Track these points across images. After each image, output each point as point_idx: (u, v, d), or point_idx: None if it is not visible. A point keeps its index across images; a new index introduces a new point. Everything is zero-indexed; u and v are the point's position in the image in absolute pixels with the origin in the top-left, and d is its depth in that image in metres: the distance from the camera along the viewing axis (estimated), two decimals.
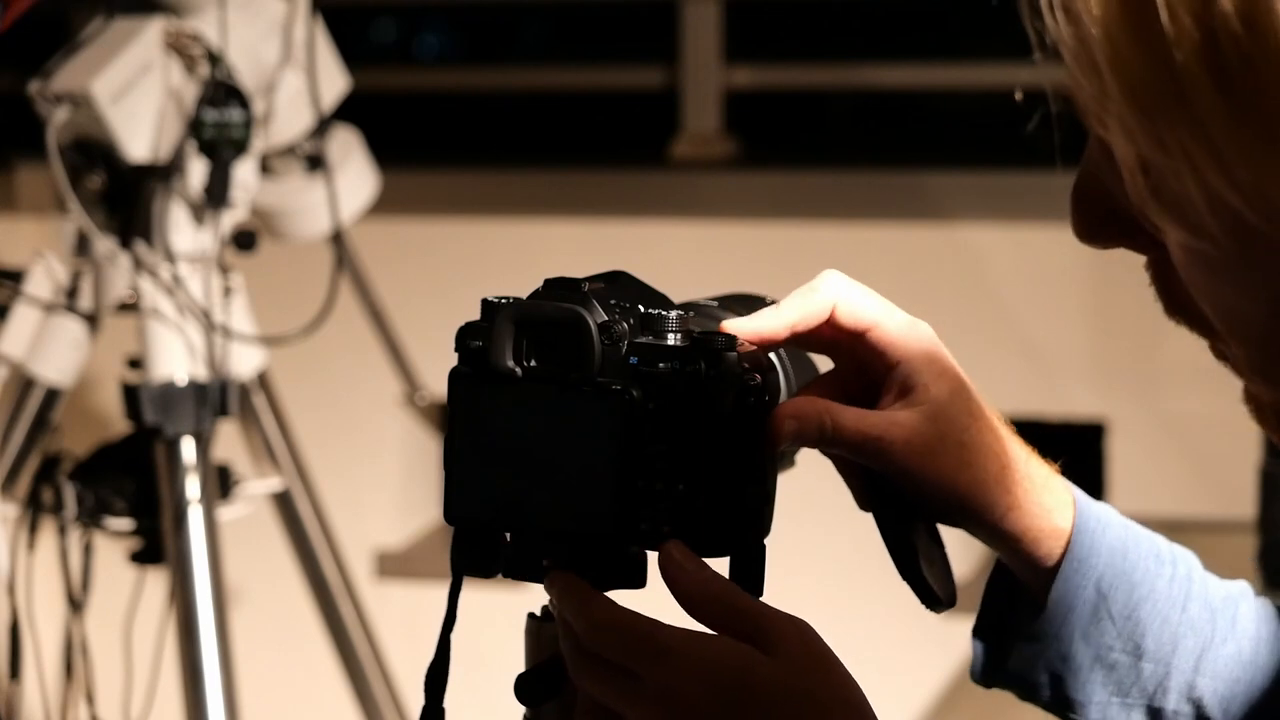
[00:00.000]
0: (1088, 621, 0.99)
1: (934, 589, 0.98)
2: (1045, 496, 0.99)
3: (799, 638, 0.90)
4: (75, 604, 2.04)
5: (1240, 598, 1.02)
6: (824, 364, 1.04)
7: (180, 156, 1.98)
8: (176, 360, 2.01)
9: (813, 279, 0.98)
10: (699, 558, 0.92)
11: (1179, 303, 0.74)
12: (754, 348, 0.94)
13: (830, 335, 0.98)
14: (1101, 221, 0.76)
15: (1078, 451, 2.79)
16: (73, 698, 2.05)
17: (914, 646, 2.63)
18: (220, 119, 1.97)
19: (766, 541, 0.94)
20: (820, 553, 2.61)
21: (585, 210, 2.99)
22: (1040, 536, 0.99)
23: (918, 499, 0.97)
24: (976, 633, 1.04)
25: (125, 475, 2.05)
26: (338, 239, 2.14)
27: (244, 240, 2.05)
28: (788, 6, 3.32)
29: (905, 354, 0.97)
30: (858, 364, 0.99)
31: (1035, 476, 0.99)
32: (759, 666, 0.88)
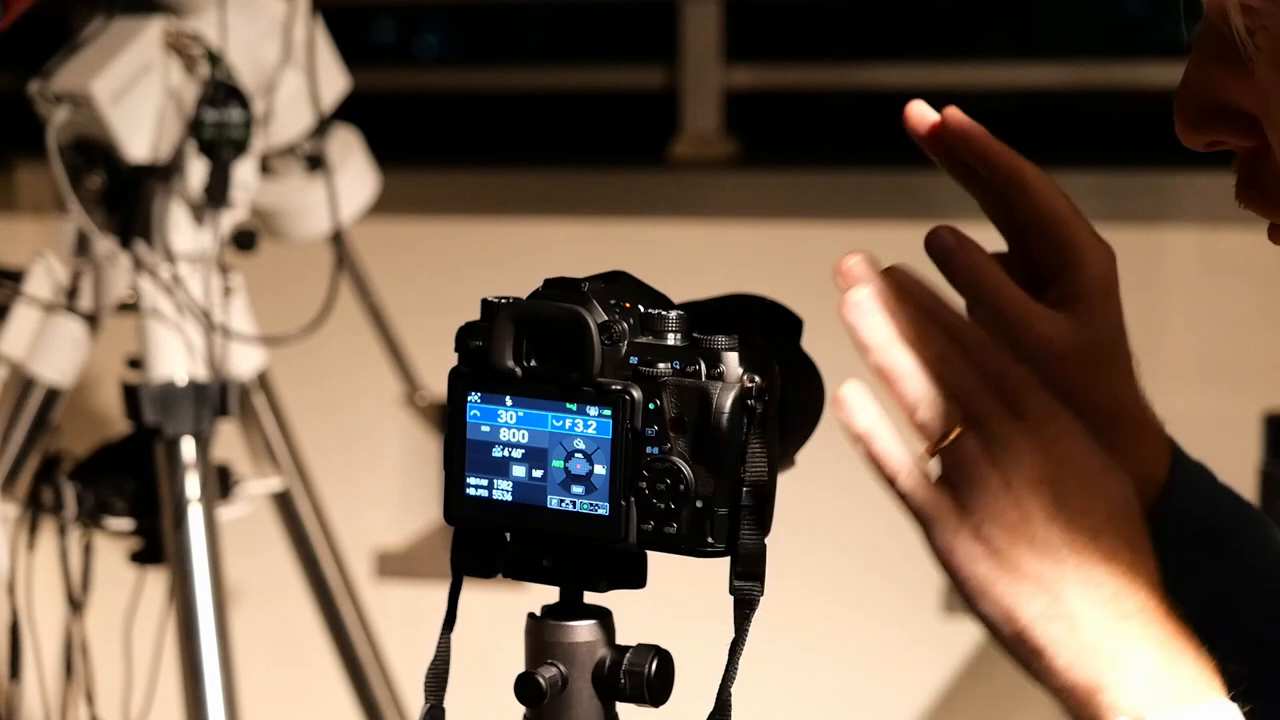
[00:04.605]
0: (1178, 573, 0.99)
1: None
2: (1147, 444, 1.03)
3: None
4: (75, 604, 2.04)
5: None
6: (830, 384, 1.03)
7: (180, 156, 1.98)
8: (176, 360, 2.01)
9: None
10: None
11: (1262, 188, 0.85)
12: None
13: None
14: (1206, 114, 0.82)
15: None
16: (73, 698, 2.05)
17: (914, 646, 2.63)
18: (220, 119, 1.97)
19: (767, 541, 0.94)
20: (821, 553, 2.61)
21: (585, 210, 2.99)
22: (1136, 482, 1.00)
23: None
24: None
25: (125, 475, 2.06)
26: (338, 239, 2.14)
27: (244, 240, 2.05)
28: (788, 6, 3.32)
29: (1085, 260, 1.04)
30: (1037, 249, 1.05)
31: (1146, 423, 1.04)
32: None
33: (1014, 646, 0.93)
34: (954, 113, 1.05)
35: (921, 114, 1.03)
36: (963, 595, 0.95)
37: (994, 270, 1.00)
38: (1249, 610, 1.01)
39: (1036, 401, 0.95)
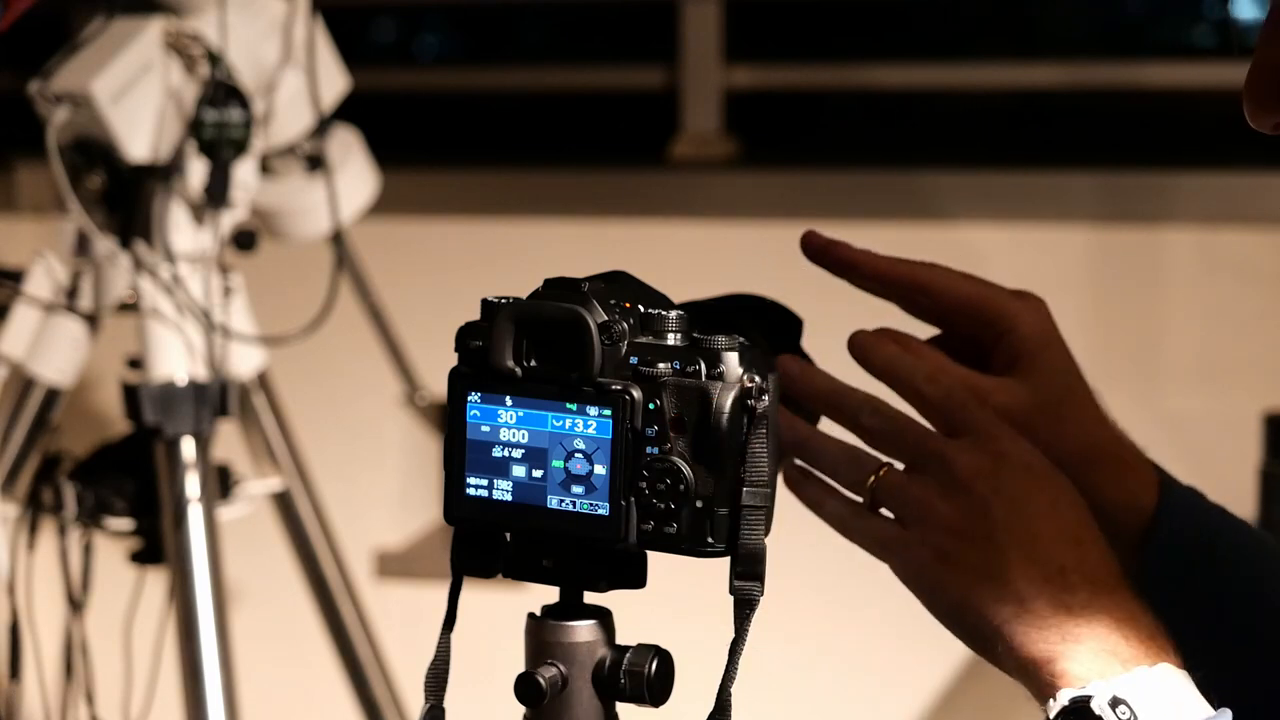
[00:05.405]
0: (1170, 599, 1.00)
1: None
2: (1130, 476, 1.04)
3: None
4: (75, 604, 2.04)
5: None
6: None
7: (180, 156, 1.98)
8: (176, 360, 2.01)
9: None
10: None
11: None
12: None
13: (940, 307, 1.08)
14: (1276, 95, 0.82)
15: None
16: (73, 698, 2.05)
17: (914, 646, 2.63)
18: (220, 119, 1.97)
19: (767, 541, 0.94)
20: (821, 553, 2.60)
21: (585, 210, 2.99)
22: (1120, 514, 1.02)
23: None
24: None
25: (125, 475, 2.05)
26: (338, 239, 2.14)
27: (244, 240, 2.05)
28: (788, 6, 3.32)
29: (1015, 324, 1.05)
30: (968, 332, 1.07)
31: (1125, 457, 1.04)
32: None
33: (974, 637, 0.96)
34: (840, 247, 1.11)
35: (813, 242, 1.07)
36: (926, 605, 0.98)
37: (936, 357, 1.04)
38: (1247, 626, 1.02)
39: (978, 416, 0.98)
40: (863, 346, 1.06)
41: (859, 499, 1.04)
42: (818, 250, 1.11)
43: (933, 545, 0.98)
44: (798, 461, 1.08)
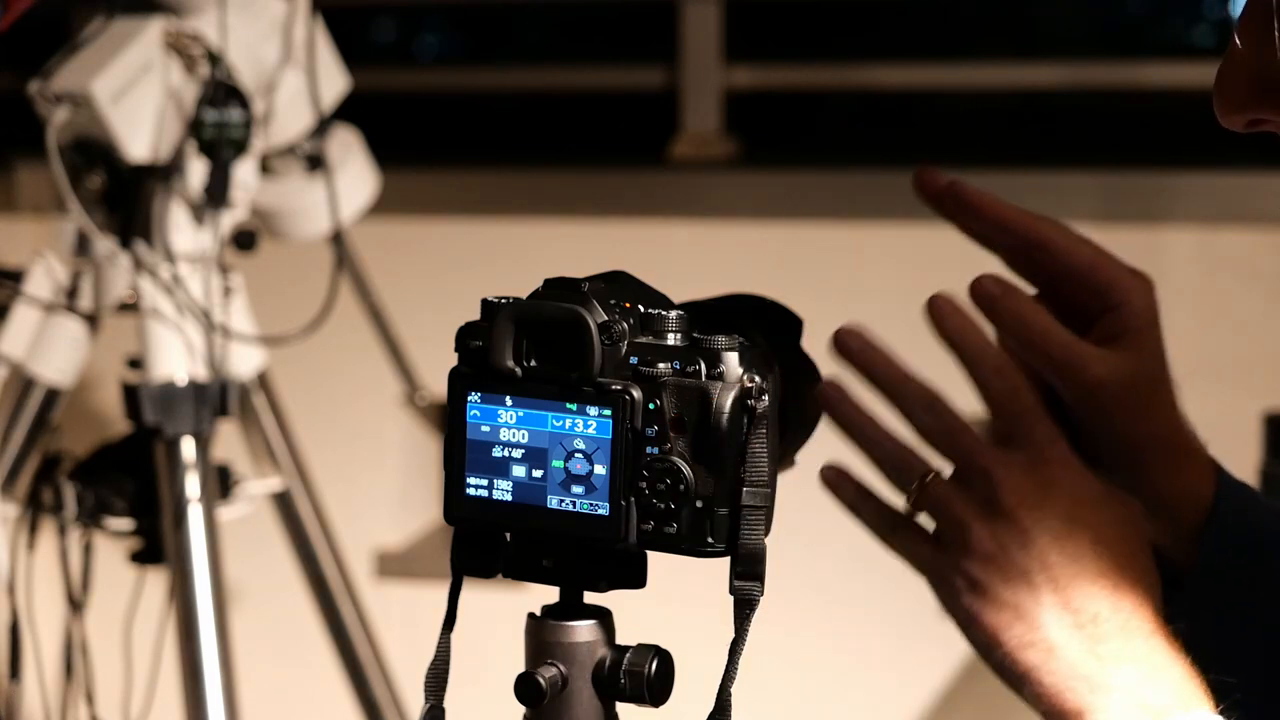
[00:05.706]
0: (1225, 593, 1.00)
1: None
2: (1192, 468, 1.03)
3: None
4: (75, 604, 2.04)
5: None
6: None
7: (180, 156, 1.98)
8: (176, 360, 2.01)
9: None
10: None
11: None
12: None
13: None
14: (1251, 91, 0.80)
15: None
16: (73, 698, 2.05)
17: (914, 646, 2.63)
18: (220, 119, 1.97)
19: (768, 541, 0.94)
20: (821, 553, 2.61)
21: (585, 210, 2.99)
22: (1181, 503, 1.02)
23: (1092, 442, 1.01)
24: None
25: (125, 475, 2.05)
26: (338, 239, 2.14)
27: (244, 240, 2.05)
28: (788, 6, 3.32)
29: (1129, 298, 1.03)
30: (1074, 297, 1.04)
31: (1192, 449, 1.04)
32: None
33: (1002, 673, 0.95)
34: (962, 185, 1.06)
35: (931, 181, 1.03)
36: (958, 627, 0.97)
37: (1042, 316, 1.02)
38: None
39: (1037, 430, 0.97)
40: (990, 299, 1.03)
41: (901, 497, 1.02)
42: (937, 191, 1.07)
43: (966, 575, 0.96)
44: (833, 464, 1.07)
